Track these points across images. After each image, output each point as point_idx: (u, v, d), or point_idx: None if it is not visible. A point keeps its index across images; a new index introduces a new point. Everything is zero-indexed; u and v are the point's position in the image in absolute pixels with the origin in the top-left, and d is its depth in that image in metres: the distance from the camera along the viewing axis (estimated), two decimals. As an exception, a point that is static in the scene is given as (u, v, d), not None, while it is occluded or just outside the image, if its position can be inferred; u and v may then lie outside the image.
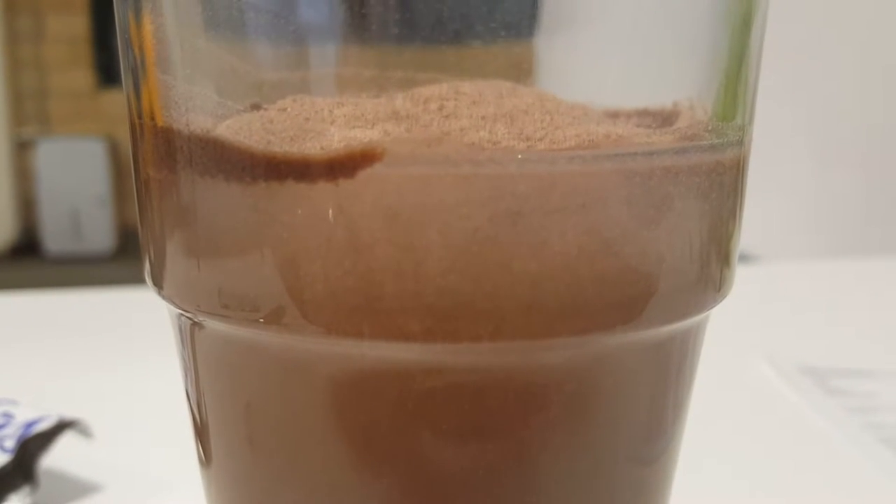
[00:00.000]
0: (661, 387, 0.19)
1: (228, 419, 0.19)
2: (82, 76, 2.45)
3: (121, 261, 2.25)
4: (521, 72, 0.21)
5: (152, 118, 0.19)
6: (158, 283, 0.20)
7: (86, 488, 0.34)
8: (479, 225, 0.16)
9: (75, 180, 2.34)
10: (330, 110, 0.16)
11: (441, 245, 0.16)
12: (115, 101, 2.45)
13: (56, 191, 2.34)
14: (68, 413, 0.33)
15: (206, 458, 0.21)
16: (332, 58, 0.18)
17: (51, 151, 2.34)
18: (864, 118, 1.04)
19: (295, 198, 0.16)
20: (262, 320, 0.17)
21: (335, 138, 0.16)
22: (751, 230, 0.21)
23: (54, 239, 2.37)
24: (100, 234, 2.38)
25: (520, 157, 0.16)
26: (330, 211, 0.16)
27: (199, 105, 0.18)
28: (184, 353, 0.20)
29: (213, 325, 0.18)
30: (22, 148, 2.45)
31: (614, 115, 0.20)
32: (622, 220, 0.16)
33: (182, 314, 0.19)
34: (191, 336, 0.20)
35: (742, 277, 0.23)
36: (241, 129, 0.17)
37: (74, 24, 2.41)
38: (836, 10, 1.04)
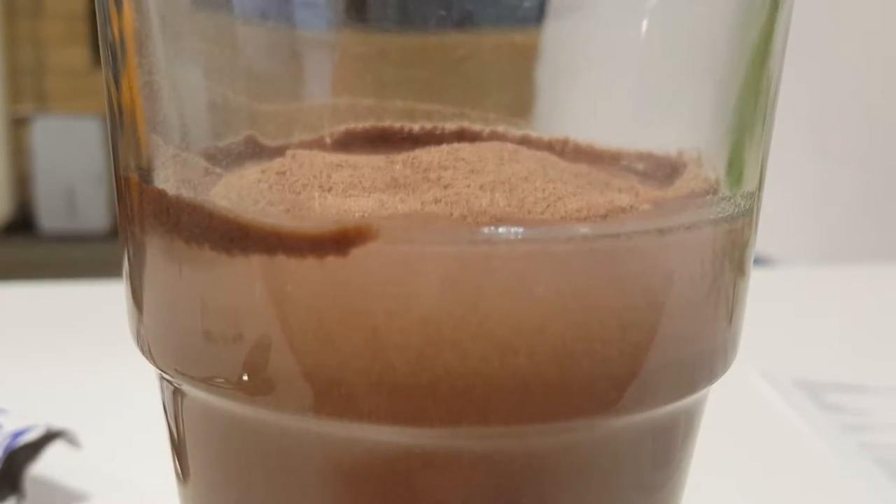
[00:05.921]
0: (665, 457, 0.18)
1: (212, 483, 0.19)
2: (79, 53, 2.43)
3: (116, 239, 2.24)
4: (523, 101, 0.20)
5: (135, 134, 0.18)
6: (142, 343, 0.19)
7: (73, 497, 0.33)
8: (473, 306, 0.15)
9: (71, 158, 2.33)
10: (328, 174, 0.16)
11: (433, 327, 0.15)
12: (113, 79, 2.42)
13: (52, 168, 2.33)
14: (55, 418, 0.33)
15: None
16: (327, 77, 0.17)
17: (47, 129, 2.33)
18: (869, 116, 1.03)
19: (283, 273, 0.16)
20: (243, 394, 0.17)
21: (331, 211, 0.15)
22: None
23: (49, 216, 2.36)
24: (95, 212, 2.37)
25: (516, 235, 0.15)
26: (319, 289, 0.15)
27: (190, 163, 0.17)
28: (167, 416, 0.20)
29: (194, 392, 0.18)
30: (18, 125, 2.44)
31: (617, 160, 0.20)
32: (620, 302, 0.16)
33: (163, 375, 0.19)
34: (172, 398, 0.19)
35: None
36: (241, 195, 0.16)
37: (72, 1, 2.39)
38: (841, 9, 1.03)
